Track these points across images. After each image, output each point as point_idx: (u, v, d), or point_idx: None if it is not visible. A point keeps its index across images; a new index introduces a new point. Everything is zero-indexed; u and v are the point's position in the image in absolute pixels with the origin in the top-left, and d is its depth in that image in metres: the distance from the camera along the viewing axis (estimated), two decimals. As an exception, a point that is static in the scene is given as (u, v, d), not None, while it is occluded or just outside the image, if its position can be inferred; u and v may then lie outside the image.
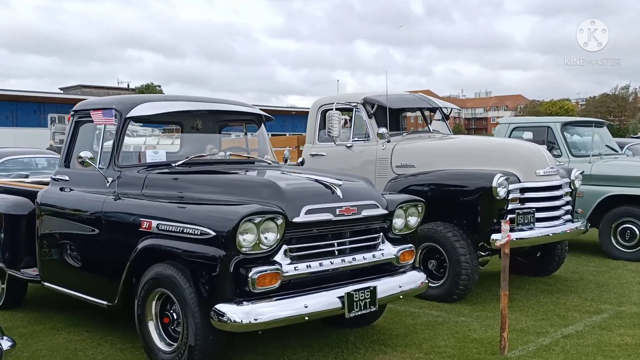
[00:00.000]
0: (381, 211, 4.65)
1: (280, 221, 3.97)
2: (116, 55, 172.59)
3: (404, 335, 5.12)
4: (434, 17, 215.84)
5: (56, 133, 32.12)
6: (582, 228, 6.90)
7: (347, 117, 7.30)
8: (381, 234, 4.72)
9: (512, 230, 6.06)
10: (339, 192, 4.40)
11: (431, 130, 7.54)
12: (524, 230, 6.15)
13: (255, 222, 3.88)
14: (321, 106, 7.45)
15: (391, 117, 7.83)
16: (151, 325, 4.37)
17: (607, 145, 9.38)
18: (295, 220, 4.09)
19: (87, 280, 4.90)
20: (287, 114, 44.15)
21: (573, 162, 8.68)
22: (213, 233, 3.87)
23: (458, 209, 6.25)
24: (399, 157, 6.80)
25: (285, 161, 5.99)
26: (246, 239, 3.86)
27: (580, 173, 7.05)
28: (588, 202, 8.43)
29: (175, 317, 4.20)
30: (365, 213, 4.51)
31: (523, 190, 6.23)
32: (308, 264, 4.17)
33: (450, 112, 8.09)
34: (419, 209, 4.98)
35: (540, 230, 6.23)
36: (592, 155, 8.72)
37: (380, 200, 4.69)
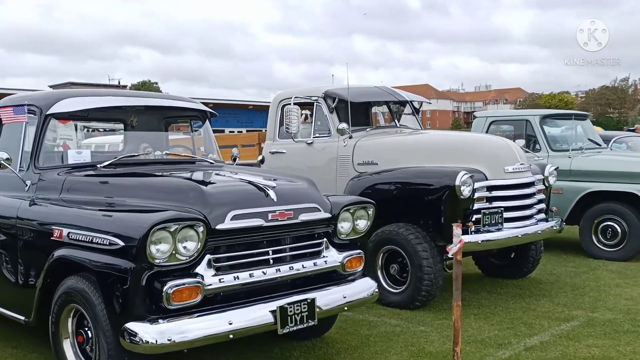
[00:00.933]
0: (323, 215, 4.25)
1: (201, 229, 3.57)
2: (114, 53, 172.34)
3: (355, 349, 4.72)
4: (431, 11, 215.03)
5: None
6: (556, 228, 6.49)
7: (308, 113, 6.89)
8: (325, 239, 4.32)
9: (477, 231, 5.71)
10: (272, 194, 4.00)
11: (398, 125, 7.12)
12: (491, 232, 5.74)
13: (171, 230, 3.47)
14: (281, 101, 7.04)
15: (358, 112, 7.46)
16: (67, 344, 3.96)
17: (589, 139, 8.97)
18: (220, 227, 3.69)
19: (4, 293, 4.49)
20: (244, 108, 43.36)
21: (552, 156, 8.28)
22: (122, 243, 3.46)
23: (421, 209, 5.86)
24: (361, 154, 6.39)
25: (234, 160, 5.60)
26: (160, 249, 3.46)
27: (555, 169, 6.64)
28: (568, 198, 8.04)
29: (89, 335, 3.80)
30: (304, 217, 4.11)
31: (490, 188, 5.82)
32: (236, 275, 3.76)
33: (421, 106, 7.69)
34: (369, 211, 4.58)
35: (509, 231, 5.82)
36: (572, 150, 8.31)
37: (323, 203, 4.29)
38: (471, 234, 5.62)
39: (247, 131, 39.09)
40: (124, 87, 43.36)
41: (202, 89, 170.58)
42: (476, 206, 5.71)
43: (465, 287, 6.56)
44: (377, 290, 4.58)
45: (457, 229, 4.27)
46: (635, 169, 7.67)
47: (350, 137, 6.51)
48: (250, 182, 4.09)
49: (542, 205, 6.44)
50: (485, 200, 5.80)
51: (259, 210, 3.88)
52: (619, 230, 7.76)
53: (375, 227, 5.93)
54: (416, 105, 7.77)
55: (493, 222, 5.78)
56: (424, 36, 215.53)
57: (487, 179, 5.82)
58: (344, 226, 4.44)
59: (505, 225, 5.89)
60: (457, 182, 5.51)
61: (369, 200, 4.62)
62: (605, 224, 7.87)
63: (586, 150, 8.51)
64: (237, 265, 3.83)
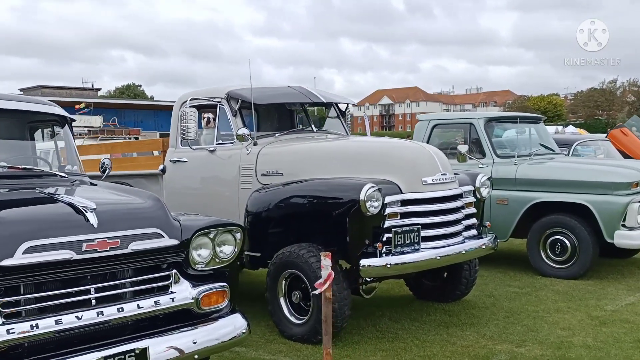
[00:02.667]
0: (167, 242, 3.48)
1: (-25, 266, 2.80)
2: (99, 56, 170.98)
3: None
4: (415, 14, 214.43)
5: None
6: (489, 245, 5.73)
7: (211, 116, 6.12)
8: (174, 271, 3.55)
9: (389, 252, 4.94)
10: (93, 218, 3.22)
11: (314, 130, 6.35)
12: (405, 253, 4.98)
13: None
14: (184, 102, 6.26)
15: (272, 115, 6.71)
16: None
17: (541, 144, 8.23)
18: (7, 263, 2.91)
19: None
20: None
21: (498, 163, 7.54)
22: None
23: (325, 228, 5.10)
24: (265, 164, 5.61)
25: (104, 172, 4.81)
26: None
27: (487, 179, 5.89)
28: (514, 210, 7.30)
29: None
30: (137, 246, 3.33)
31: (405, 202, 5.06)
32: (35, 323, 2.99)
33: (347, 108, 6.92)
34: (236, 235, 3.81)
35: (426, 252, 5.04)
36: (518, 156, 7.57)
37: (167, 227, 3.52)
38: (381, 255, 4.86)
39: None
40: (98, 90, 42.38)
41: (188, 91, 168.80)
42: (388, 223, 4.94)
43: (388, 313, 5.82)
44: (245, 330, 3.80)
45: (325, 260, 3.52)
46: (583, 177, 6.93)
47: (255, 144, 5.74)
48: (69, 204, 3.31)
49: (473, 221, 5.68)
50: (399, 217, 5.04)
51: (69, 239, 3.10)
52: (569, 245, 7.02)
53: (278, 248, 5.22)
54: (348, 107, 7.07)
55: (408, 241, 5.01)
56: (410, 38, 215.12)
57: (401, 192, 5.07)
58: (201, 254, 3.67)
59: (424, 244, 5.12)
60: (362, 197, 4.74)
61: (232, 222, 3.85)
62: (554, 238, 7.13)
63: (535, 156, 7.77)
64: (43, 309, 3.06)
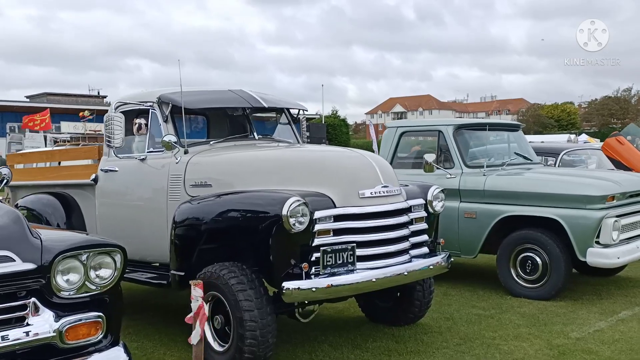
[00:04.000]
0: (20, 266, 3.02)
1: None
2: (115, 64, 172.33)
3: None
4: (426, 22, 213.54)
5: (12, 143, 30.58)
6: (440, 264, 5.21)
7: (144, 122, 5.66)
8: (33, 299, 3.09)
9: (317, 274, 4.44)
10: None
11: (256, 137, 5.86)
12: (337, 274, 4.47)
13: None
14: (120, 106, 5.82)
15: (226, 121, 6.26)
16: None
17: (516, 153, 7.69)
18: None
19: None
20: (267, 120, 42.33)
21: (467, 174, 7.01)
22: None
23: (247, 246, 4.62)
24: (194, 174, 5.14)
25: (3, 182, 4.37)
26: None
27: (441, 191, 5.37)
28: (482, 224, 6.76)
29: None
30: (-24, 272, 2.88)
31: (339, 218, 4.56)
32: None
33: (299, 114, 6.44)
34: (115, 257, 3.35)
35: (362, 274, 4.53)
36: (489, 166, 7.02)
37: (23, 248, 3.08)
38: (308, 277, 4.36)
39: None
40: (104, 97, 42.32)
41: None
42: (318, 241, 4.44)
43: (331, 338, 5.31)
44: (123, 366, 3.33)
45: (195, 290, 3.02)
46: (554, 189, 6.38)
47: (186, 152, 5.27)
48: None
49: (423, 238, 5.17)
50: (332, 234, 4.53)
51: None
52: (540, 263, 6.46)
53: (201, 267, 4.74)
54: (305, 113, 6.60)
55: (340, 261, 4.51)
56: (421, 46, 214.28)
57: (334, 207, 4.57)
58: (70, 279, 3.22)
59: (361, 264, 4.62)
60: (285, 212, 4.25)
61: (110, 242, 3.38)
62: (525, 255, 6.57)
63: (508, 166, 7.23)
64: None
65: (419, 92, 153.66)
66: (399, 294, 5.60)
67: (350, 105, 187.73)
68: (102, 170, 5.81)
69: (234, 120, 6.23)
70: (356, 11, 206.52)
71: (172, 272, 4.96)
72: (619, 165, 12.19)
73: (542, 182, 6.59)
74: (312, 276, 4.41)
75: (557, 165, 9.52)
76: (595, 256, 6.07)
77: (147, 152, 5.51)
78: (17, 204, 6.66)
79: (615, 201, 6.25)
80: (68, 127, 32.53)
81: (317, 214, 4.44)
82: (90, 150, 6.29)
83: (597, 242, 6.11)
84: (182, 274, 4.88)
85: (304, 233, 4.36)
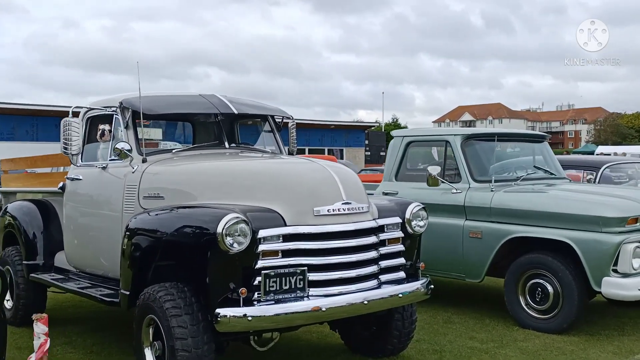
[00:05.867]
0: None
1: None
2: (185, 72, 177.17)
3: None
4: (494, 29, 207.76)
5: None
6: (420, 291, 4.62)
7: (107, 128, 5.34)
8: None
9: (259, 300, 3.95)
10: None
11: (227, 146, 5.42)
12: (283, 301, 3.96)
13: None
14: (87, 112, 5.53)
15: (202, 128, 5.90)
16: None
17: (536, 167, 6.92)
18: None
19: None
20: (326, 127, 42.19)
21: (474, 189, 6.33)
22: None
23: (186, 267, 4.19)
24: (148, 184, 4.76)
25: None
26: None
27: (421, 209, 4.77)
28: (488, 245, 6.08)
29: None
30: None
31: (289, 238, 4.06)
32: None
33: (282, 121, 5.98)
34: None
35: (309, 302, 4.00)
36: (498, 181, 6.31)
37: None
38: (249, 304, 3.88)
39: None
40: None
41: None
42: (262, 264, 3.96)
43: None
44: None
45: (38, 326, 2.60)
46: (567, 209, 5.61)
47: (144, 161, 4.91)
48: None
49: (398, 261, 4.58)
50: (280, 255, 4.04)
51: None
52: (551, 291, 5.71)
53: (144, 287, 4.35)
54: (278, 120, 6.13)
55: (287, 287, 4.00)
56: (490, 54, 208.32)
57: (285, 225, 4.07)
58: None
59: (316, 290, 4.09)
60: (220, 230, 3.80)
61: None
62: (535, 281, 5.84)
63: (524, 181, 6.50)
64: None
65: (488, 101, 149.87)
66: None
67: (418, 113, 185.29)
68: (68, 178, 5.55)
69: (208, 128, 5.83)
70: (420, 19, 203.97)
71: (121, 291, 4.61)
72: (676, 180, 11.06)
73: (555, 200, 5.84)
74: (255, 302, 3.94)
75: (596, 181, 8.62)
76: (612, 287, 5.29)
77: (109, 160, 5.18)
78: (6, 208, 6.53)
79: (638, 224, 5.44)
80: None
81: (262, 233, 3.95)
82: (62, 158, 6.04)
83: (615, 271, 5.32)
84: (127, 293, 4.51)
85: (245, 254, 3.89)
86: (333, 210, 4.19)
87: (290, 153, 6.07)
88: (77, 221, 5.46)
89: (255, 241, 3.92)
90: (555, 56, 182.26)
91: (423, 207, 4.80)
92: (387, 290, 4.39)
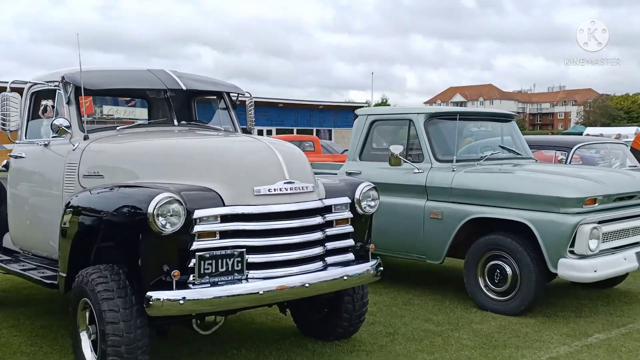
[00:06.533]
0: None
1: None
2: (177, 52, 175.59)
3: None
4: (486, 9, 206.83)
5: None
6: (370, 272, 4.51)
7: (50, 104, 5.16)
8: None
9: (194, 283, 3.82)
10: None
11: (175, 124, 5.25)
12: (219, 284, 3.83)
13: None
14: (31, 86, 5.34)
15: (158, 104, 5.71)
16: None
17: (502, 147, 6.80)
18: None
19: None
20: (314, 108, 41.88)
21: (436, 168, 6.20)
22: None
23: (119, 248, 4.05)
24: (88, 163, 4.60)
25: None
26: None
27: (371, 189, 4.63)
28: (448, 226, 5.97)
29: None
30: None
31: (228, 218, 3.92)
32: None
33: (237, 99, 5.81)
34: None
35: (245, 286, 3.87)
36: (459, 161, 6.18)
37: None
38: (184, 287, 3.75)
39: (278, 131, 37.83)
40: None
41: (263, 87, 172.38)
42: (198, 245, 3.82)
43: (241, 352, 4.71)
44: None
45: None
46: (524, 189, 5.49)
47: (86, 138, 4.73)
48: None
49: (346, 242, 4.46)
50: (217, 237, 3.90)
51: None
52: (510, 272, 5.62)
53: (79, 269, 4.20)
54: (247, 99, 6.00)
55: (223, 269, 3.86)
56: (482, 35, 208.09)
57: (223, 205, 3.93)
58: None
59: (256, 272, 3.97)
60: (151, 210, 3.65)
61: None
62: (494, 263, 5.74)
63: (487, 161, 6.38)
64: None
65: (480, 82, 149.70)
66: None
67: (410, 94, 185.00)
68: (11, 156, 5.37)
69: (159, 105, 5.65)
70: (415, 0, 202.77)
71: (59, 274, 4.46)
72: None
73: (514, 180, 5.72)
74: (190, 285, 3.81)
75: (568, 161, 8.52)
76: (568, 268, 5.19)
77: (52, 137, 5.00)
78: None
79: (597, 204, 5.34)
80: (110, 112, 32.87)
81: (198, 213, 3.81)
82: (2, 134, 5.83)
83: (572, 252, 5.23)
84: (64, 275, 4.37)
85: (179, 235, 3.75)
86: (274, 189, 4.04)
87: (247, 132, 5.91)
88: (21, 201, 5.30)
89: (190, 222, 3.78)
90: (546, 37, 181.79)
91: (373, 187, 4.67)
92: (332, 273, 4.26)
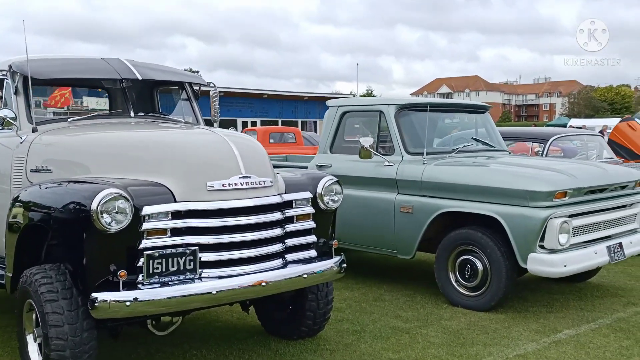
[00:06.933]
0: None
1: None
2: (162, 42, 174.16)
3: None
4: (471, 1, 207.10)
5: None
6: (333, 269, 4.35)
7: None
8: None
9: (142, 283, 3.64)
10: None
11: (133, 115, 5.05)
12: (170, 284, 3.66)
13: None
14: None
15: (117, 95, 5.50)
16: None
17: (474, 139, 6.66)
18: None
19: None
20: (299, 99, 41.53)
21: (407, 161, 6.05)
22: None
23: (65, 247, 3.85)
24: (36, 156, 4.39)
25: None
26: None
27: (334, 183, 4.47)
28: (419, 220, 5.83)
29: None
30: None
31: (179, 215, 3.74)
32: None
33: (199, 89, 5.62)
34: None
35: (197, 286, 3.70)
36: (432, 154, 6.04)
37: None
38: (133, 287, 3.58)
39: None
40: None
41: (249, 78, 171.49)
42: (147, 243, 3.64)
43: (201, 352, 4.55)
44: None
45: None
46: (493, 182, 5.36)
47: (35, 130, 4.53)
48: None
49: (308, 239, 4.29)
50: (169, 234, 3.72)
51: None
52: (480, 268, 5.50)
53: (24, 268, 4.00)
54: (210, 89, 5.80)
55: (174, 268, 3.69)
56: (467, 27, 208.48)
57: (174, 201, 3.75)
58: None
59: (211, 271, 3.80)
60: (94, 207, 3.46)
61: None
62: (465, 258, 5.61)
63: (459, 153, 6.24)
64: None
65: (467, 74, 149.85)
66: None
67: (396, 85, 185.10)
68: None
69: (117, 95, 5.44)
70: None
71: (6, 274, 4.27)
72: (630, 153, 10.96)
73: (484, 173, 5.59)
74: (140, 286, 3.63)
75: (544, 153, 8.42)
76: (537, 263, 5.07)
77: (0, 129, 4.78)
78: None
79: (567, 198, 5.21)
80: (91, 103, 32.43)
81: (146, 210, 3.63)
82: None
83: (542, 247, 5.11)
84: (10, 275, 4.18)
85: (127, 233, 3.57)
86: (229, 184, 3.87)
87: (210, 124, 5.72)
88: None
89: (138, 219, 3.60)
90: (531, 29, 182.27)
91: (336, 181, 4.51)
92: (291, 271, 4.10)
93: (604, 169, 5.89)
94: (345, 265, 4.48)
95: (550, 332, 4.92)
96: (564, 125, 41.01)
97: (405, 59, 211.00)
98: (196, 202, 3.77)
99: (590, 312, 5.45)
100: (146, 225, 3.63)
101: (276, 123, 37.00)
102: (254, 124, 38.50)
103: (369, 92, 54.46)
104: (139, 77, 4.93)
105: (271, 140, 19.11)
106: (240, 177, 3.92)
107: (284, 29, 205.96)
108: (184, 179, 3.82)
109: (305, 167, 6.56)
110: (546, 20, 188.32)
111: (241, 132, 24.68)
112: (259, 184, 4.00)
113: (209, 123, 5.72)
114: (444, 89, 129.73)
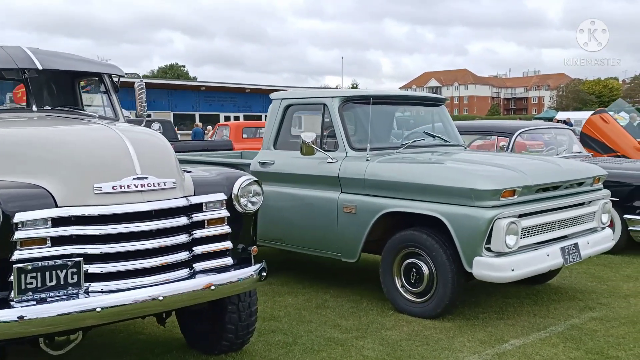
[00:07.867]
0: None
1: None
2: (148, 37, 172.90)
3: None
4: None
5: None
6: (253, 278, 3.92)
7: None
8: None
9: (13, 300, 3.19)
10: None
11: (35, 109, 4.57)
12: (51, 301, 3.23)
13: None
14: None
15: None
16: None
17: (426, 133, 6.25)
18: None
19: None
20: (241, 91, 40.45)
21: (351, 157, 5.63)
22: None
23: None
24: None
25: None
26: None
27: (252, 183, 4.04)
28: (362, 220, 5.41)
29: None
30: None
31: (60, 222, 3.30)
32: None
33: (119, 81, 5.17)
34: None
35: (77, 302, 3.26)
36: (376, 149, 5.61)
37: None
38: (6, 306, 3.14)
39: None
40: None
41: (237, 73, 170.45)
42: (20, 255, 3.20)
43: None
44: None
45: None
46: (437, 180, 4.95)
47: None
48: None
49: (220, 245, 3.86)
50: (49, 244, 3.28)
51: None
52: (426, 271, 5.09)
53: None
54: (135, 80, 5.35)
55: (53, 283, 3.25)
56: (454, 20, 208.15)
57: (55, 205, 3.31)
58: None
59: (101, 285, 3.36)
60: (-46, 215, 3.02)
61: None
62: (410, 261, 5.21)
63: (409, 149, 5.82)
64: None
65: (455, 67, 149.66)
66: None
67: (385, 79, 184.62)
68: None
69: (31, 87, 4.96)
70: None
71: None
72: (603, 147, 10.60)
73: (429, 171, 5.17)
74: (12, 303, 3.19)
75: (509, 148, 8.04)
76: (483, 267, 4.66)
77: None
78: None
79: (516, 197, 4.80)
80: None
81: (20, 217, 3.18)
82: None
83: (488, 249, 4.70)
84: None
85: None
86: (120, 187, 3.43)
87: (136, 117, 5.29)
88: None
89: (9, 227, 3.16)
90: (518, 23, 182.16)
91: (255, 181, 4.08)
92: (195, 283, 3.67)
93: (557, 165, 5.48)
94: (265, 273, 4.05)
95: (495, 342, 4.52)
96: (551, 119, 40.81)
97: (394, 53, 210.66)
98: (81, 207, 3.33)
99: (543, 319, 5.05)
100: (19, 234, 3.18)
101: (259, 118, 36.57)
102: (236, 118, 38.03)
103: (354, 85, 53.93)
104: (39, 67, 4.47)
105: (244, 135, 18.69)
106: (134, 178, 3.48)
107: (271, 23, 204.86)
108: (68, 181, 3.38)
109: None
110: (532, 13, 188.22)
111: (212, 127, 23.92)
112: (158, 185, 3.57)
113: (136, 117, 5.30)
114: (433, 83, 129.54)
